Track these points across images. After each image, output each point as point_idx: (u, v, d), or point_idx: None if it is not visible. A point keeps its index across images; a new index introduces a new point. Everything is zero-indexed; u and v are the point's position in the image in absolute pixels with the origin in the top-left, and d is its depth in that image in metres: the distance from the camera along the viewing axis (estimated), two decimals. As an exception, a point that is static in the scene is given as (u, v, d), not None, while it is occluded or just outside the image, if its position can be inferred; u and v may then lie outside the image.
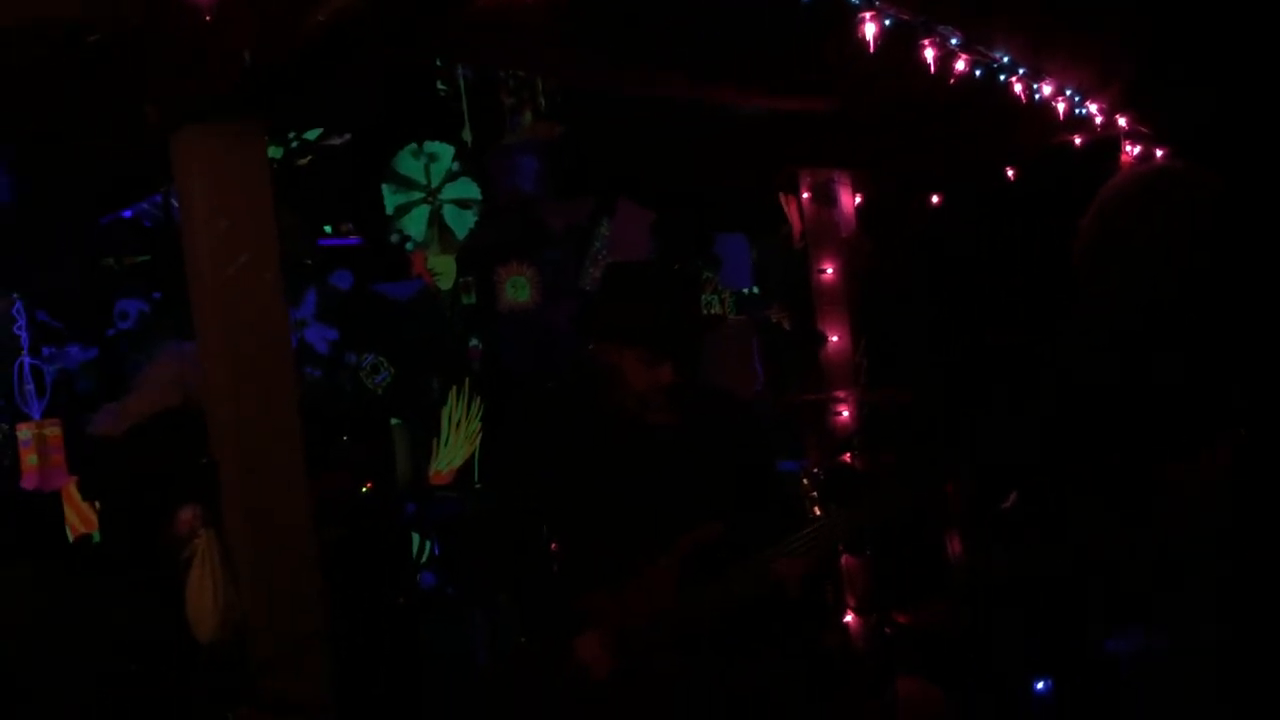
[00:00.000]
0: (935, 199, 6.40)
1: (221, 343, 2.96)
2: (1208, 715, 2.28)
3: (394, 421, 6.21)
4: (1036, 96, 4.47)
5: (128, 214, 5.57)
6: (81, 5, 2.78)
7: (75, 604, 3.60)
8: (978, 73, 3.98)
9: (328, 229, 6.65)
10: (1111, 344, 2.39)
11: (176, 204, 3.09)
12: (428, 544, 5.91)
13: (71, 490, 4.82)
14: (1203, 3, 4.78)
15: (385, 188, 6.72)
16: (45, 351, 5.33)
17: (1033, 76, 4.37)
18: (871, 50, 3.36)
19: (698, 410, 2.74)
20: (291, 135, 6.44)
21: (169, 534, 2.95)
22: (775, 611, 2.70)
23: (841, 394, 5.85)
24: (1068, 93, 4.68)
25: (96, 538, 4.50)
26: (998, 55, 4.09)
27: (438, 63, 6.37)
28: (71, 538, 4.89)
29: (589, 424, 2.73)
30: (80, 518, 4.96)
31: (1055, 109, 4.63)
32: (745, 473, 2.77)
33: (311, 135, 6.50)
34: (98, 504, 3.93)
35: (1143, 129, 5.39)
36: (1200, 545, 2.26)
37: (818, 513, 4.79)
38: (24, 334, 4.86)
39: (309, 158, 6.47)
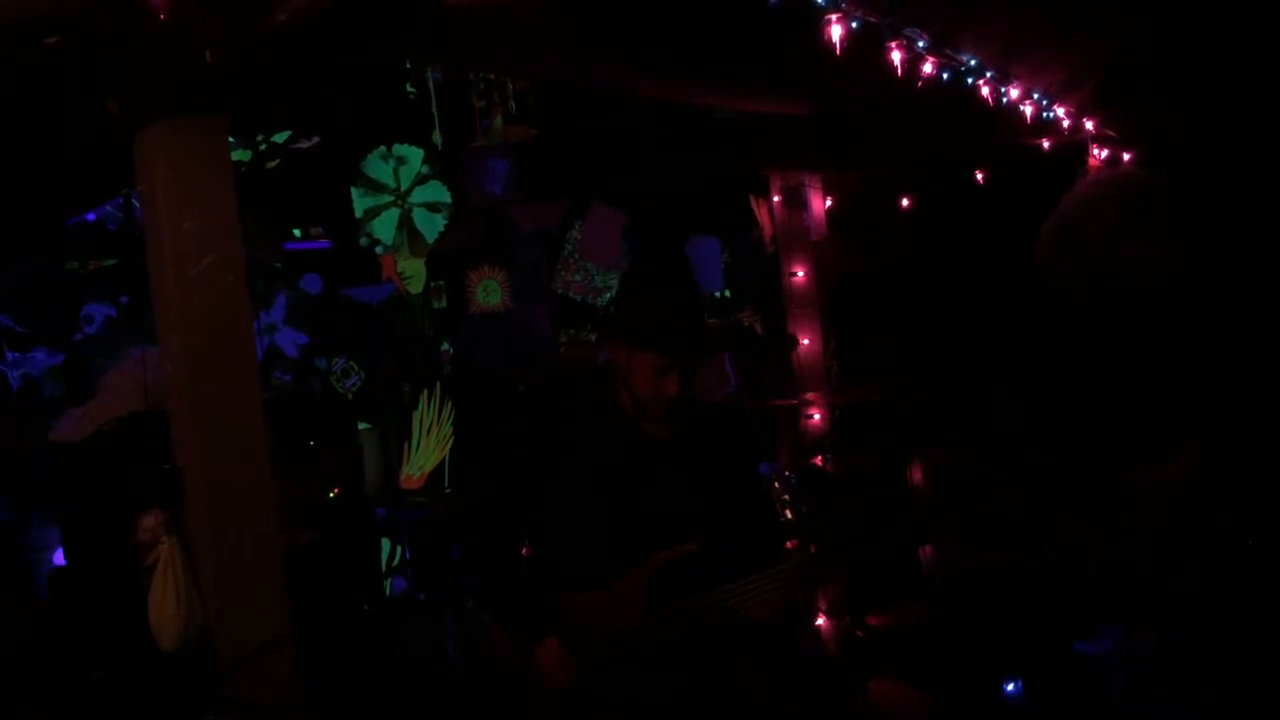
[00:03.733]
0: (905, 201, 6.43)
1: (184, 345, 2.93)
2: (1188, 713, 2.29)
3: (364, 426, 6.17)
4: (1004, 99, 4.49)
5: (91, 217, 5.51)
6: (44, 4, 2.75)
7: (38, 612, 3.55)
8: (945, 75, 3.99)
9: (296, 232, 6.59)
10: (1076, 347, 2.40)
11: (139, 205, 3.05)
12: (399, 549, 5.87)
13: (36, 497, 4.76)
14: (1172, 7, 4.81)
15: (354, 191, 6.66)
16: (10, 356, 5.26)
17: (1000, 79, 4.38)
18: (838, 52, 3.37)
19: (694, 426, 2.68)
20: (259, 138, 6.39)
21: (132, 541, 2.92)
22: (744, 632, 2.64)
23: (812, 396, 5.88)
24: (1035, 96, 4.70)
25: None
26: (965, 58, 4.11)
27: (407, 64, 6.34)
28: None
29: (578, 425, 2.68)
30: (45, 525, 4.89)
31: (1023, 112, 4.65)
32: (733, 493, 2.71)
33: (280, 138, 6.44)
34: (60, 512, 3.88)
35: (1110, 132, 5.42)
36: (1172, 546, 2.27)
37: (789, 515, 4.79)
38: (-14, 339, 4.79)
39: (277, 160, 6.42)
